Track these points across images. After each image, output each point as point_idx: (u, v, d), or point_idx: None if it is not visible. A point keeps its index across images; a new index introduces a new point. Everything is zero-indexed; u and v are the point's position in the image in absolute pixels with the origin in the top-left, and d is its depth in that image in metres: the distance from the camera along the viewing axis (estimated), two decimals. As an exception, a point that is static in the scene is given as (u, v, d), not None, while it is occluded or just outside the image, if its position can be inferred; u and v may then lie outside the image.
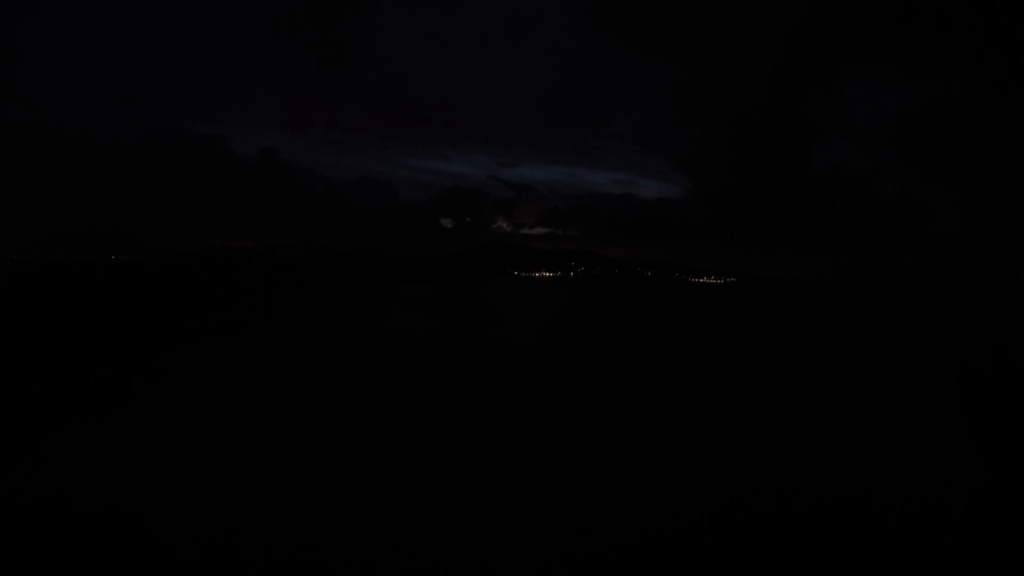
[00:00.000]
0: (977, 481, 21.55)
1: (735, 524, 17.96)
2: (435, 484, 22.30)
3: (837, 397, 40.71)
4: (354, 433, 29.08)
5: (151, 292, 66.99)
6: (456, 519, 19.31)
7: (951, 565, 16.50)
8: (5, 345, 40.24)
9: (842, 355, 63.48)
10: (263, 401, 35.55)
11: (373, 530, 18.57)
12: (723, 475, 22.82)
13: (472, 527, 18.59)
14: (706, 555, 16.33)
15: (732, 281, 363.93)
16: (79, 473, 23.22)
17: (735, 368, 52.03)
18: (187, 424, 30.02)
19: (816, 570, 15.87)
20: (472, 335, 71.97)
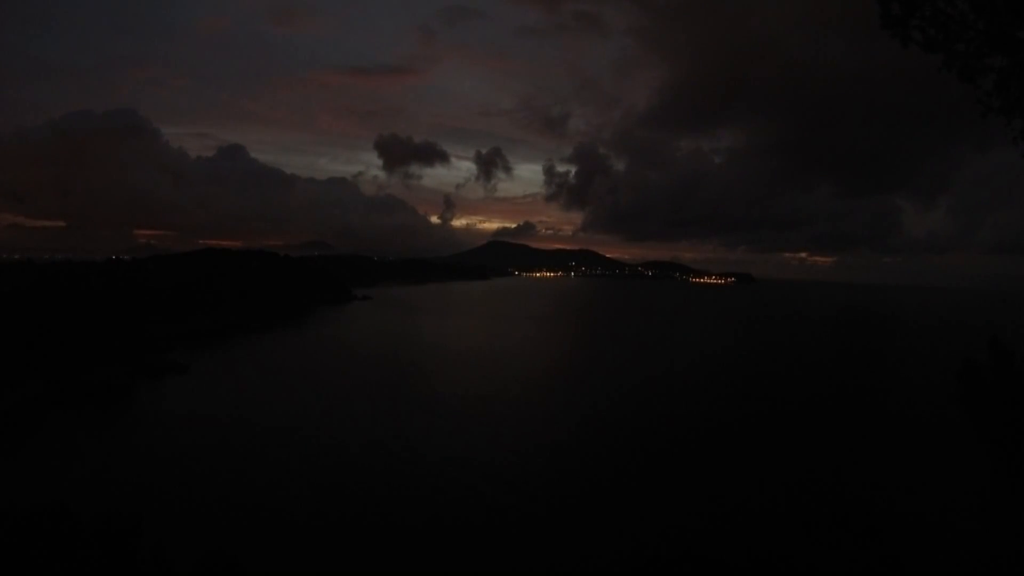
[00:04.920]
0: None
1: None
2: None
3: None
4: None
5: (157, 292, 67.10)
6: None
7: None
8: (7, 346, 40.17)
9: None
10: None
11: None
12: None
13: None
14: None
15: (733, 281, 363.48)
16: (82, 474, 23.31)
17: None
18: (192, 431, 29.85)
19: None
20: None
